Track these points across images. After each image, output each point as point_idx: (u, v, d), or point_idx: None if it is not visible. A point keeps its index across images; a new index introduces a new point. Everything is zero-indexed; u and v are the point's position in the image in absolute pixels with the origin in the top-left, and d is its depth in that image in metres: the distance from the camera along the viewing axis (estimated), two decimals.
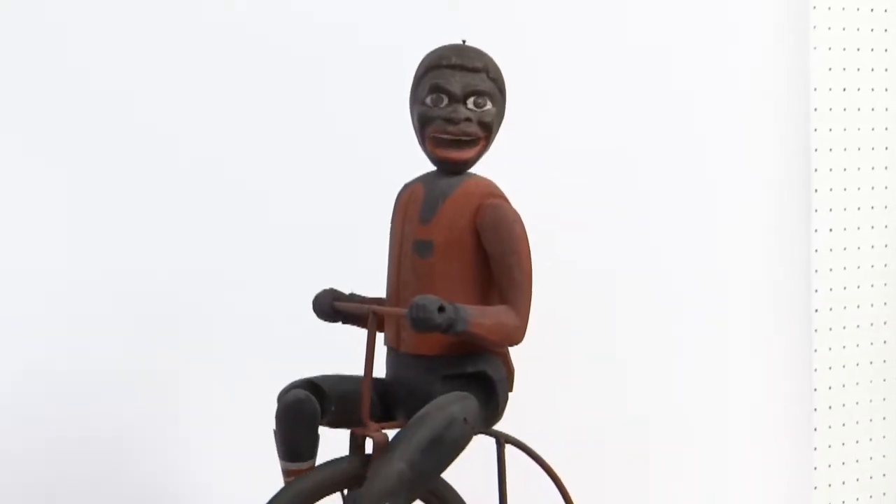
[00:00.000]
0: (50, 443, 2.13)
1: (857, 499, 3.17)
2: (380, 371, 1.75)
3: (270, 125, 2.24)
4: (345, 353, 2.01)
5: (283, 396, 1.71)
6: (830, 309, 3.08)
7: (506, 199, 1.71)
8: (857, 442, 3.16)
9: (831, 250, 3.09)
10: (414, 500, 1.64)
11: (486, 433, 1.78)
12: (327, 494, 1.67)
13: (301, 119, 2.26)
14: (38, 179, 2.10)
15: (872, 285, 3.11)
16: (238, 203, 2.24)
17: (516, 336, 1.67)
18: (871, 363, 3.15)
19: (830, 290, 3.12)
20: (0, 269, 2.09)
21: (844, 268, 3.12)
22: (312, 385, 1.72)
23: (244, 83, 2.21)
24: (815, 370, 3.06)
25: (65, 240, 2.12)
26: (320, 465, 1.68)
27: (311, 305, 1.82)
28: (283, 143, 2.26)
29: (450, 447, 1.63)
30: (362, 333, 1.82)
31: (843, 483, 3.17)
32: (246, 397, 2.27)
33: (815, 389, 3.06)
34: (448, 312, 1.59)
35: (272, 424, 1.68)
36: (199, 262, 2.22)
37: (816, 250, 3.06)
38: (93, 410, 2.22)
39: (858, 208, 3.11)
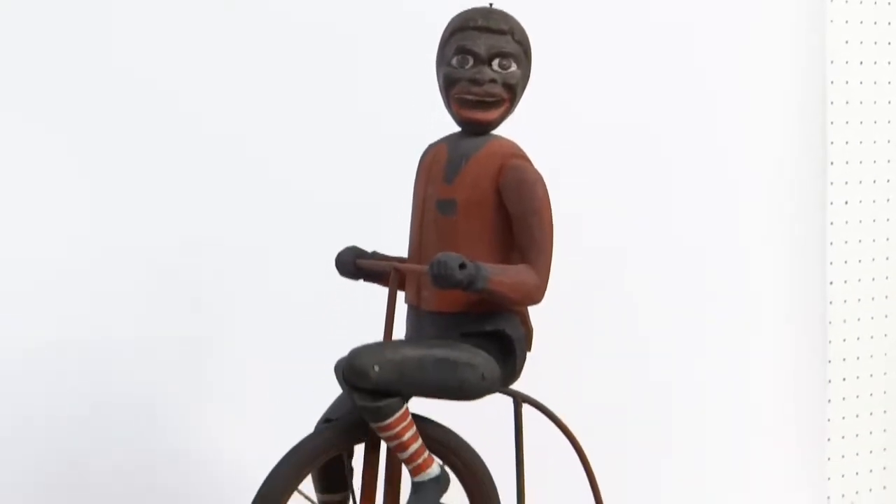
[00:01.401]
0: (75, 410, 2.16)
1: (871, 470, 3.18)
2: (399, 332, 1.77)
3: (292, 90, 2.26)
4: (366, 312, 2.02)
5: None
6: (845, 281, 3.09)
7: (528, 160, 1.73)
8: (871, 414, 3.16)
9: (846, 223, 3.10)
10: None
11: (504, 392, 1.80)
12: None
13: (323, 82, 2.28)
14: (59, 152, 2.12)
15: (887, 258, 3.12)
16: (260, 165, 2.25)
17: (536, 295, 1.69)
18: (885, 335, 3.16)
19: (845, 262, 3.13)
20: (27, 241, 2.11)
21: (859, 241, 3.12)
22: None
23: (265, 50, 2.23)
24: (830, 342, 3.07)
25: (90, 210, 2.15)
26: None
27: (333, 264, 1.83)
28: (305, 107, 2.27)
29: (456, 380, 1.67)
30: (383, 293, 1.83)
31: (857, 454, 3.18)
32: (270, 362, 2.29)
33: (830, 361, 3.07)
34: (469, 269, 1.62)
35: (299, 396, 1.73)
36: (221, 229, 2.24)
37: (832, 223, 3.06)
38: (118, 379, 2.24)
39: (874, 181, 3.11)
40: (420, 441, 1.67)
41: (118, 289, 2.20)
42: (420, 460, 1.67)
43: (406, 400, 1.66)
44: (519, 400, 1.82)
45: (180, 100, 2.18)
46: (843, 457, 3.17)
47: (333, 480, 1.78)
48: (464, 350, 1.68)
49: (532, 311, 1.76)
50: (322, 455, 1.69)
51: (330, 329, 2.19)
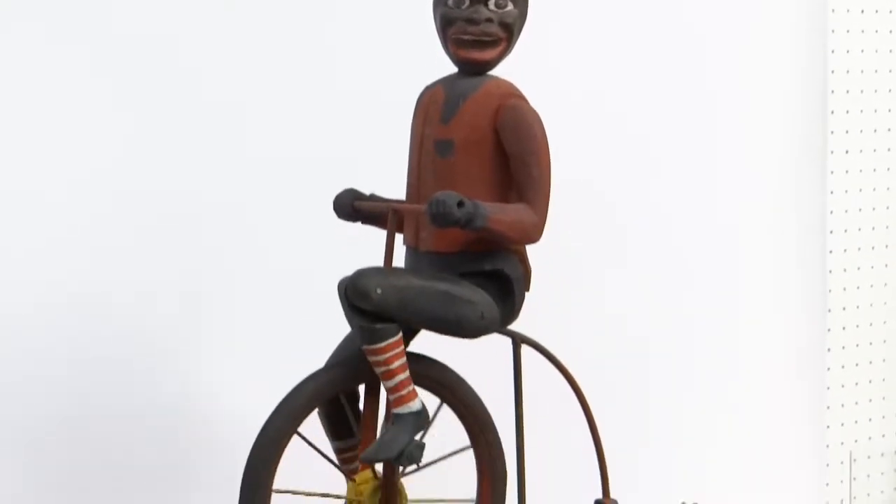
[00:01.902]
0: (75, 358, 2.16)
1: (870, 399, 3.19)
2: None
3: (291, 30, 2.26)
4: (364, 256, 2.03)
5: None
6: (844, 270, 3.10)
7: (526, 100, 1.73)
8: (870, 400, 3.19)
9: (846, 211, 3.11)
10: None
11: (503, 333, 1.81)
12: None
13: (321, 23, 2.27)
14: (60, 100, 2.12)
15: (887, 246, 3.14)
16: (258, 113, 2.25)
17: (534, 234, 1.69)
18: (884, 323, 3.18)
19: (844, 251, 3.14)
20: (27, 195, 2.11)
21: (859, 229, 3.13)
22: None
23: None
24: (829, 330, 3.08)
25: (91, 162, 2.15)
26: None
27: (331, 208, 1.83)
28: (302, 50, 2.27)
29: (455, 315, 1.68)
30: (381, 236, 1.83)
31: (856, 441, 3.20)
32: (269, 310, 2.29)
33: (830, 291, 3.08)
34: (467, 208, 1.62)
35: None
36: (219, 179, 2.24)
37: (832, 212, 3.08)
38: (118, 329, 2.25)
39: (874, 170, 3.13)
40: (407, 373, 1.67)
41: (119, 240, 2.20)
42: (404, 391, 1.67)
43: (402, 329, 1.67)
44: (518, 341, 1.83)
45: (180, 58, 2.18)
46: (841, 443, 3.18)
47: (340, 426, 1.79)
48: (465, 287, 1.69)
49: (531, 251, 1.76)
50: (318, 397, 1.69)
51: (329, 276, 2.19)
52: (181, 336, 2.27)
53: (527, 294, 1.78)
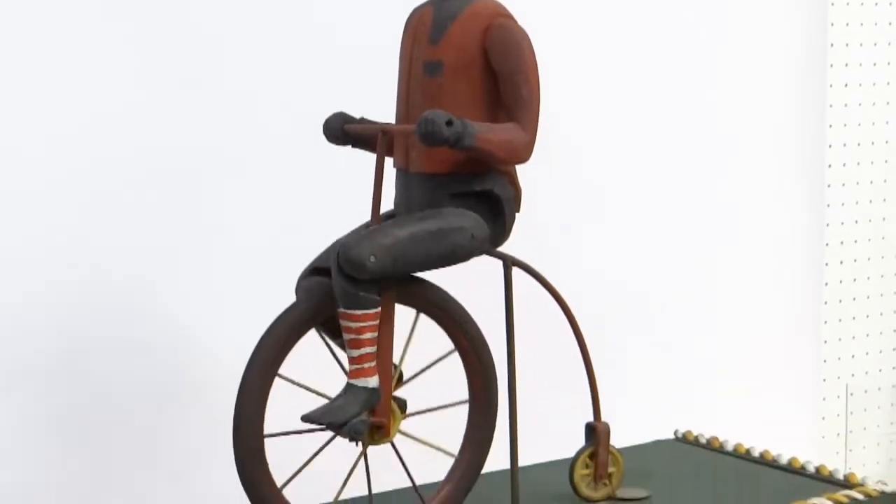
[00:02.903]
0: (75, 292, 2.18)
1: (868, 334, 3.21)
2: (388, 197, 1.77)
3: None
4: (354, 181, 2.03)
5: (298, 287, 1.76)
6: (844, 125, 3.09)
7: (514, 19, 1.72)
8: (868, 316, 3.19)
9: (845, 125, 3.11)
10: (394, 272, 1.65)
11: (493, 255, 1.81)
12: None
13: None
14: (60, 55, 2.13)
15: (886, 161, 3.15)
16: (238, 43, 2.26)
17: (524, 153, 1.69)
18: (884, 200, 3.18)
19: (844, 165, 3.14)
20: (12, 148, 2.12)
21: (858, 144, 3.14)
22: (319, 270, 1.74)
23: None
24: (828, 206, 3.08)
25: (92, 101, 2.19)
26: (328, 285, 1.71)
27: (321, 131, 1.83)
28: None
29: (449, 248, 1.67)
30: (370, 161, 1.82)
31: (854, 319, 3.19)
32: (258, 235, 2.30)
33: (828, 225, 3.09)
34: (456, 127, 1.62)
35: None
36: (197, 119, 2.27)
37: (830, 125, 3.08)
38: (111, 264, 2.26)
39: (873, 84, 3.12)
40: (374, 349, 1.66)
41: (103, 190, 2.24)
42: (365, 365, 1.66)
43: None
44: (508, 263, 1.83)
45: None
46: (838, 378, 3.20)
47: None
48: (450, 215, 1.68)
49: (521, 171, 1.76)
50: (306, 326, 1.69)
51: (317, 192, 2.21)
52: (165, 274, 2.29)
53: (517, 216, 1.78)
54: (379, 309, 1.65)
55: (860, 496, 1.90)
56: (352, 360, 1.67)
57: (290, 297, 1.74)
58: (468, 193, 1.72)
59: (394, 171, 1.79)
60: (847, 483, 1.96)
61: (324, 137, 1.83)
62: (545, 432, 2.09)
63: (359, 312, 1.63)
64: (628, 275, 2.76)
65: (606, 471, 1.92)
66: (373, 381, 1.67)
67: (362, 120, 1.82)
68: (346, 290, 1.63)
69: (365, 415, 1.67)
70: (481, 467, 1.82)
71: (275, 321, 1.69)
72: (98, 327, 2.24)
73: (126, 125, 2.24)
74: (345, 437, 1.67)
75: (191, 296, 2.31)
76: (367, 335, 1.65)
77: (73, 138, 2.20)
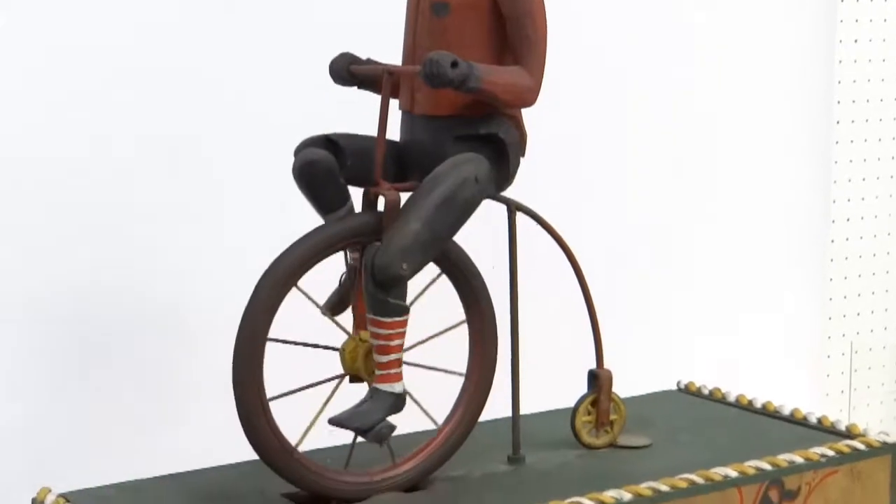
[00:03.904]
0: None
1: (873, 292, 3.20)
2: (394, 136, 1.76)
3: None
4: (359, 121, 2.02)
5: (297, 155, 1.72)
6: (854, 81, 3.07)
7: None
8: (875, 236, 3.17)
9: (854, 81, 3.10)
10: (429, 261, 1.66)
11: (498, 200, 1.80)
12: (340, 249, 1.70)
13: None
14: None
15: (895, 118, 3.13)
16: None
17: (529, 97, 1.68)
18: (892, 158, 3.17)
19: (852, 122, 3.12)
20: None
21: (867, 100, 3.12)
22: (327, 140, 1.72)
23: None
24: (836, 163, 3.07)
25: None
26: (333, 221, 1.70)
27: (327, 71, 1.82)
28: None
29: (462, 206, 1.65)
30: (376, 99, 1.81)
31: (859, 276, 3.19)
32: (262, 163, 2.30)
33: (835, 182, 3.08)
34: (461, 68, 1.61)
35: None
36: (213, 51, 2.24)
37: (839, 81, 3.06)
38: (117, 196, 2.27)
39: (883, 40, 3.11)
40: (401, 355, 1.66)
41: (116, 151, 2.26)
42: (392, 371, 1.66)
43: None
44: (513, 208, 1.82)
45: None
46: (843, 335, 3.19)
47: (326, 199, 1.72)
48: (448, 175, 1.65)
49: (526, 115, 1.75)
50: (315, 254, 1.68)
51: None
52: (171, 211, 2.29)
53: (522, 160, 1.77)
54: (407, 315, 1.65)
55: (862, 446, 1.90)
56: (379, 366, 1.67)
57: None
58: (472, 137, 1.72)
59: (399, 113, 1.78)
60: (849, 434, 1.96)
61: (330, 79, 1.82)
62: (547, 381, 2.09)
63: (388, 320, 1.63)
64: (633, 223, 2.75)
65: (608, 418, 1.91)
66: (398, 387, 1.67)
67: (368, 61, 1.81)
68: (377, 297, 1.62)
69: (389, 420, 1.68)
70: (480, 412, 1.81)
71: (300, 239, 1.68)
72: (103, 263, 2.25)
73: (134, 79, 2.24)
74: (370, 441, 1.68)
75: (196, 239, 2.32)
76: (396, 342, 1.65)
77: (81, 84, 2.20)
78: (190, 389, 2.32)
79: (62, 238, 2.23)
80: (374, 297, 1.63)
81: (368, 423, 1.65)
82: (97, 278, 2.26)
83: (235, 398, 1.65)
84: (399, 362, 1.67)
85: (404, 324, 1.65)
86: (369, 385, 1.72)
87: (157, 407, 2.31)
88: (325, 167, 1.68)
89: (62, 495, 1.73)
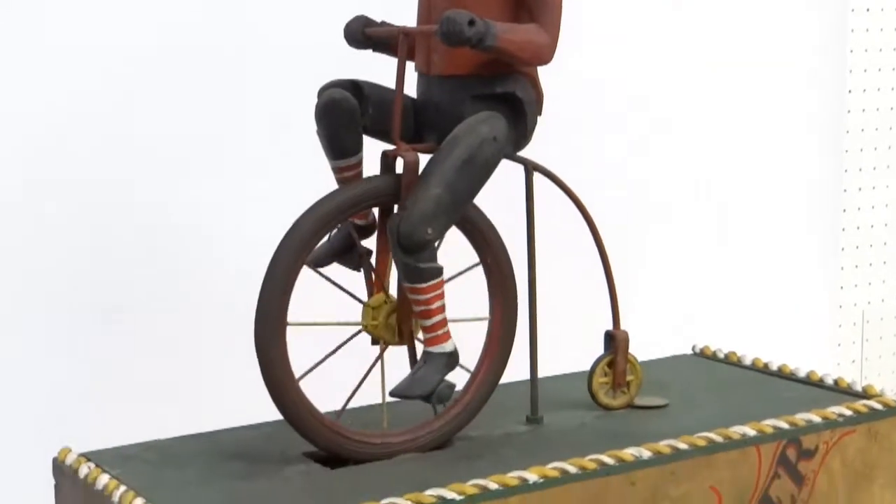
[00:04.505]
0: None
1: (885, 262, 3.20)
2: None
3: None
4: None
5: (321, 94, 1.72)
6: (866, 50, 3.07)
7: None
8: (887, 206, 3.16)
9: (867, 30, 3.08)
10: (452, 223, 1.67)
11: (515, 160, 1.81)
12: (362, 209, 1.71)
13: None
14: None
15: None
16: None
17: (546, 55, 1.68)
18: None
19: (865, 71, 3.11)
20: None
21: (880, 50, 3.11)
22: (352, 84, 1.73)
23: None
24: (847, 132, 3.07)
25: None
26: (353, 184, 1.71)
27: (342, 33, 1.82)
28: None
29: (482, 167, 1.66)
30: (392, 63, 1.82)
31: (871, 246, 3.18)
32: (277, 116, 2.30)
33: (846, 151, 3.07)
34: (478, 26, 1.61)
35: (313, 126, 1.71)
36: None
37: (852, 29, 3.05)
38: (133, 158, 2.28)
39: None
40: (444, 315, 1.67)
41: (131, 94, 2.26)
42: (440, 332, 1.67)
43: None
44: (530, 168, 1.83)
45: None
46: (854, 305, 3.19)
47: (340, 145, 1.74)
48: (466, 136, 1.65)
49: (542, 74, 1.75)
50: (325, 223, 1.69)
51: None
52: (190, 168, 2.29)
53: (539, 120, 1.77)
54: (442, 276, 1.65)
55: (879, 406, 1.90)
56: (426, 330, 1.68)
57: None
58: (489, 96, 1.72)
59: (415, 76, 1.78)
60: (865, 394, 1.96)
61: (344, 42, 1.82)
62: (565, 344, 2.09)
63: (425, 285, 1.64)
64: (650, 186, 2.75)
65: (625, 379, 1.92)
66: (449, 345, 1.68)
67: (383, 23, 1.81)
68: (409, 265, 1.63)
69: (449, 379, 1.69)
70: (500, 377, 1.82)
71: (322, 199, 1.68)
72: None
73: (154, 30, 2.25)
74: (434, 404, 1.69)
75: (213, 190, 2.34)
76: (436, 304, 1.66)
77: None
78: (212, 351, 2.33)
79: (86, 201, 2.24)
80: (406, 265, 1.64)
81: (429, 387, 1.67)
82: (120, 238, 2.27)
83: (258, 356, 1.66)
84: (444, 322, 1.67)
85: (440, 285, 1.65)
86: (382, 349, 1.73)
87: (178, 369, 2.32)
88: (348, 108, 1.69)
89: (83, 454, 1.74)
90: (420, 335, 1.72)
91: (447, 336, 1.69)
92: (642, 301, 2.61)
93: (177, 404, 2.28)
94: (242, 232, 2.35)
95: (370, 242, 1.78)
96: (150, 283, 2.30)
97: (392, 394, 1.68)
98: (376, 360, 1.75)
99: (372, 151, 1.73)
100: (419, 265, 1.63)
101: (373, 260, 1.77)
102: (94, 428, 1.96)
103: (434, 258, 1.65)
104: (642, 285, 2.68)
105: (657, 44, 2.75)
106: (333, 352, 1.73)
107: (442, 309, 1.67)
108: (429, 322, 1.67)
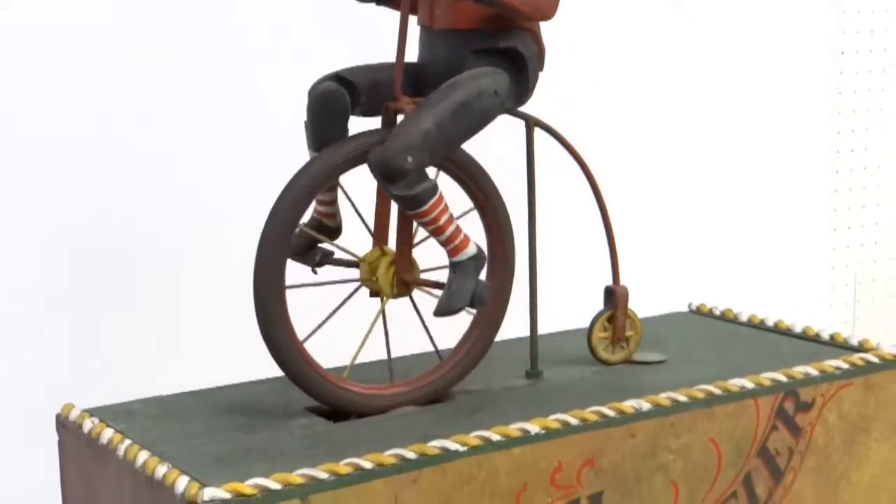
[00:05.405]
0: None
1: (877, 223, 3.21)
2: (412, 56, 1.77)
3: None
4: (377, 40, 2.03)
5: (313, 90, 1.73)
6: (857, 32, 3.08)
7: None
8: (879, 167, 3.18)
9: None
10: (434, 163, 1.67)
11: (516, 115, 1.81)
12: (357, 164, 1.71)
13: None
14: None
15: None
16: None
17: (548, 10, 1.69)
18: None
19: (857, 32, 3.12)
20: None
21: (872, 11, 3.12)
22: (341, 79, 1.74)
23: None
24: (840, 93, 3.08)
25: None
26: (351, 137, 1.71)
27: None
28: None
29: (477, 115, 1.66)
30: (394, 17, 1.82)
31: (863, 207, 3.19)
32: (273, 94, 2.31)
33: (839, 112, 3.08)
34: None
35: (303, 117, 1.71)
36: None
37: None
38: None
39: None
40: (456, 224, 1.68)
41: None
42: (458, 241, 1.68)
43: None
44: (531, 123, 1.84)
45: None
46: (847, 266, 3.20)
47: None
48: (467, 82, 1.66)
49: (544, 29, 1.76)
50: (320, 182, 1.69)
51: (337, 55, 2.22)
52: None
53: (541, 75, 1.78)
54: (439, 191, 1.65)
55: (876, 359, 1.92)
56: (444, 244, 1.69)
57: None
58: (491, 51, 1.72)
59: (417, 30, 1.79)
60: (861, 348, 1.98)
61: None
62: (564, 301, 2.11)
63: (425, 208, 1.65)
64: (650, 145, 2.76)
65: (624, 334, 1.93)
66: (471, 248, 1.70)
67: None
68: (401, 195, 1.63)
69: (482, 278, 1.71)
70: (496, 330, 1.83)
71: (318, 156, 1.69)
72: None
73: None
74: (476, 307, 1.71)
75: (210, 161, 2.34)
76: (444, 218, 1.67)
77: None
78: (214, 311, 2.34)
79: (88, 166, 2.25)
80: (398, 196, 1.63)
81: (467, 295, 1.68)
82: (121, 195, 2.28)
83: (256, 310, 1.67)
84: (458, 230, 1.68)
85: (440, 200, 1.66)
86: (383, 301, 1.75)
87: (181, 329, 2.33)
88: (339, 102, 1.70)
89: (86, 410, 1.75)
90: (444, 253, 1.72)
91: (466, 241, 1.70)
92: (641, 259, 2.62)
93: (179, 364, 2.29)
94: (242, 190, 2.35)
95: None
96: (152, 242, 2.31)
97: (436, 314, 1.69)
98: (378, 314, 1.76)
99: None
100: (412, 192, 1.63)
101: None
102: (97, 387, 1.96)
103: (423, 179, 1.64)
104: (641, 244, 2.69)
105: (660, 10, 2.76)
106: (336, 309, 1.74)
107: (451, 220, 1.68)
108: (444, 236, 1.68)
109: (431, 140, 1.63)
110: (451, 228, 1.68)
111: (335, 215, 1.80)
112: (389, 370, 1.77)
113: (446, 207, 1.67)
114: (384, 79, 1.73)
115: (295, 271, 1.73)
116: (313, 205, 1.80)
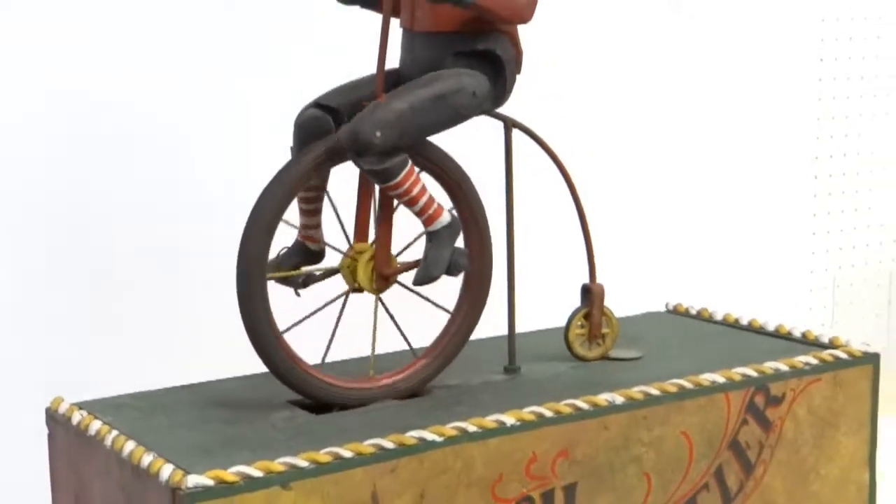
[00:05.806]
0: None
1: (855, 227, 3.25)
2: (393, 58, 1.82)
3: None
4: (362, 39, 2.06)
5: (298, 118, 1.79)
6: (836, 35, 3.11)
7: None
8: (858, 174, 3.22)
9: None
10: (402, 144, 1.69)
11: (494, 116, 1.86)
12: (340, 161, 1.75)
13: None
14: None
15: None
16: None
17: (526, 13, 1.73)
18: (874, 96, 3.20)
19: (837, 19, 3.15)
20: None
21: None
22: (323, 107, 1.78)
23: None
24: (819, 100, 3.12)
25: None
26: (330, 136, 1.76)
27: None
28: None
29: (453, 110, 1.72)
30: (376, 19, 1.87)
31: (842, 212, 3.23)
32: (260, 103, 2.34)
33: (818, 119, 3.12)
34: None
35: (294, 117, 1.76)
36: None
37: None
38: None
39: None
40: (428, 193, 1.73)
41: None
42: (431, 210, 1.73)
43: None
44: (509, 125, 1.88)
45: None
46: (825, 270, 3.23)
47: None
48: (448, 77, 1.72)
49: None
50: (303, 178, 1.74)
51: (325, 59, 2.25)
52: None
53: (518, 77, 1.82)
54: (409, 163, 1.70)
55: (844, 356, 1.97)
56: (419, 214, 1.74)
57: None
58: (471, 53, 1.77)
59: (399, 33, 1.83)
60: (832, 345, 2.03)
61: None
62: (541, 299, 2.14)
63: (397, 180, 1.69)
64: (628, 145, 2.78)
65: (600, 331, 1.98)
66: (445, 217, 1.75)
67: None
68: (372, 169, 1.68)
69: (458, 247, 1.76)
70: (473, 328, 1.87)
71: (303, 151, 1.74)
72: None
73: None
74: (455, 275, 1.76)
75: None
76: (416, 189, 1.71)
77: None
78: (201, 307, 2.38)
79: (77, 159, 2.28)
80: (370, 170, 1.68)
81: (444, 263, 1.74)
82: (110, 196, 2.31)
83: (240, 307, 1.71)
84: (432, 199, 1.73)
85: (411, 171, 1.70)
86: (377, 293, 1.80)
87: (171, 325, 2.37)
88: (324, 129, 1.76)
89: (75, 404, 1.79)
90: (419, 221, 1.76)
91: (440, 210, 1.74)
92: (617, 259, 2.66)
93: (166, 361, 2.33)
94: (229, 186, 2.39)
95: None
96: (140, 238, 2.34)
97: (415, 283, 1.74)
98: (346, 298, 1.80)
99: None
100: (382, 167, 1.67)
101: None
102: (86, 383, 2.00)
103: (394, 154, 1.68)
104: (623, 245, 2.73)
105: (637, 7, 2.79)
106: (319, 309, 1.78)
107: (424, 190, 1.72)
108: (417, 206, 1.73)
109: (404, 121, 1.68)
110: (425, 199, 1.72)
111: (319, 239, 1.85)
112: (372, 364, 1.82)
113: (418, 178, 1.72)
114: (365, 96, 1.78)
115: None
116: (298, 227, 1.84)
